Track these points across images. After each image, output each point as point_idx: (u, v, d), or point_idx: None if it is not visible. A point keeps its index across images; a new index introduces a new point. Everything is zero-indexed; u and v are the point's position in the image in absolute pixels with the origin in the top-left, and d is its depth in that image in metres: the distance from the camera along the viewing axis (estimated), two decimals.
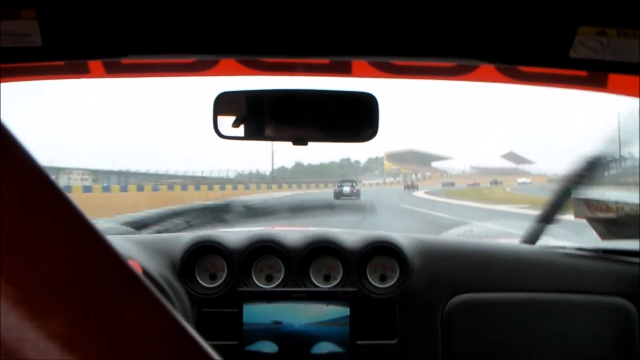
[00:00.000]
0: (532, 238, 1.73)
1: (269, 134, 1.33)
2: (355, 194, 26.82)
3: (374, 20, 1.05)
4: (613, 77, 1.28)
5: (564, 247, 1.67)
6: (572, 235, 1.90)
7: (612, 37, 1.03)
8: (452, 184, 53.58)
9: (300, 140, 1.28)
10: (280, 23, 1.06)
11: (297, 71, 1.34)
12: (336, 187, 28.61)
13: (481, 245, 1.68)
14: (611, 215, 1.50)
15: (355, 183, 30.10)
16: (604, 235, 1.55)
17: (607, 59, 1.05)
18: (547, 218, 1.74)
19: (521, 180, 57.75)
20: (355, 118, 1.30)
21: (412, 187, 44.22)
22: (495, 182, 55.31)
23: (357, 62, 1.32)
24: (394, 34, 1.07)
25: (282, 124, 1.34)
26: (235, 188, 30.03)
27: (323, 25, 1.06)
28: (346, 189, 27.21)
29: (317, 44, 1.10)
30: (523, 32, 1.06)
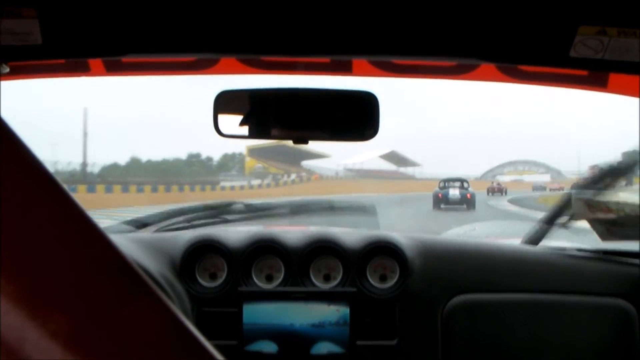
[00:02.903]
0: (534, 239, 1.73)
1: (270, 132, 1.34)
2: (469, 202, 18.09)
3: (374, 19, 1.05)
4: (614, 77, 1.28)
5: (564, 248, 1.67)
6: (573, 237, 1.90)
7: (612, 36, 1.03)
8: (544, 188, 42.56)
9: (300, 139, 1.28)
10: (281, 22, 1.06)
11: (298, 70, 1.34)
12: (437, 188, 19.88)
13: (481, 245, 1.67)
14: (611, 216, 1.50)
15: (467, 183, 20.27)
16: (604, 236, 1.54)
17: (608, 58, 1.05)
18: (551, 220, 1.73)
19: None
20: (355, 117, 1.30)
21: (498, 191, 32.00)
22: None
23: (358, 61, 1.33)
24: (394, 33, 1.07)
25: (282, 122, 1.33)
26: None
27: (323, 24, 1.06)
28: (454, 192, 18.59)
29: (317, 43, 1.10)
30: (523, 31, 1.06)
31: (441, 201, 18.49)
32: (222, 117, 1.28)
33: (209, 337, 0.30)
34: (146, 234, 1.81)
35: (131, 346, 0.28)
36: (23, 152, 0.29)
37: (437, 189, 19.84)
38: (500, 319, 1.50)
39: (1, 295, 0.26)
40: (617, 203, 1.49)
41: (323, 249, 1.54)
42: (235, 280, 1.52)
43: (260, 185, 37.64)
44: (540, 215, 1.77)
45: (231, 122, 1.31)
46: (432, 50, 1.12)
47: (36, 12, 1.00)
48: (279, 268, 1.54)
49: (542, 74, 1.30)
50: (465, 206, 18.08)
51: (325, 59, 1.31)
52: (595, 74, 1.29)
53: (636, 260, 1.57)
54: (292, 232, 1.61)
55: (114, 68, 1.34)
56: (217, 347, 0.30)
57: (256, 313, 1.47)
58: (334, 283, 1.53)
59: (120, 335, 0.28)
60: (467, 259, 1.58)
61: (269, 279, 1.54)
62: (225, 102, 1.29)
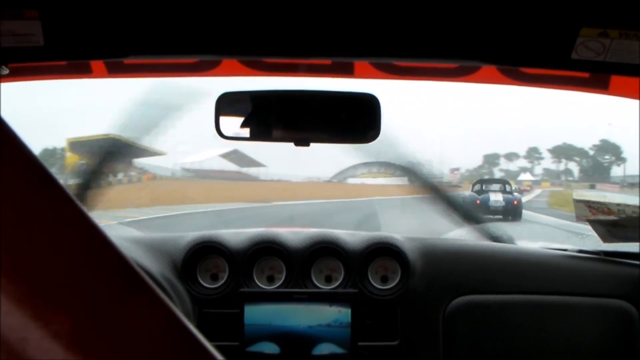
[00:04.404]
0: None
1: (271, 134, 1.34)
2: (515, 210, 13.86)
3: (376, 21, 1.05)
4: (615, 79, 1.28)
5: (565, 249, 1.66)
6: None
7: (614, 38, 1.03)
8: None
9: (301, 141, 1.29)
10: (283, 24, 1.06)
11: (299, 72, 1.34)
12: (473, 190, 15.30)
13: (483, 246, 1.67)
14: (613, 217, 1.49)
15: (511, 186, 15.73)
16: (605, 238, 1.54)
17: (609, 60, 1.05)
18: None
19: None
20: (357, 119, 1.30)
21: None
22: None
23: (359, 63, 1.33)
24: (396, 35, 1.07)
25: (283, 124, 1.34)
26: None
27: (325, 26, 1.06)
28: (496, 198, 14.12)
29: (319, 45, 1.10)
30: (525, 33, 1.06)
31: (478, 209, 13.39)
32: (223, 119, 1.28)
33: (210, 338, 0.30)
34: (148, 235, 1.81)
35: (132, 347, 0.28)
36: (23, 153, 0.30)
37: (471, 193, 15.24)
38: (501, 320, 1.50)
39: (3, 296, 0.26)
40: (618, 205, 1.49)
41: (324, 250, 1.54)
42: (237, 282, 1.52)
43: None
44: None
45: (233, 123, 1.31)
46: (434, 53, 1.12)
47: (38, 14, 1.00)
48: (281, 269, 1.54)
49: (543, 76, 1.31)
50: (511, 218, 13.52)
51: (327, 61, 1.32)
52: (596, 76, 1.29)
53: (637, 262, 1.57)
54: (294, 233, 1.61)
55: (116, 70, 1.35)
56: (218, 348, 0.30)
57: (257, 314, 1.47)
58: (335, 284, 1.53)
59: (121, 336, 0.28)
60: (468, 260, 1.57)
61: (271, 280, 1.55)
62: (226, 104, 1.30)
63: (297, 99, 1.30)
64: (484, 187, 15.50)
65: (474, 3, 1.03)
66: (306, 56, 1.19)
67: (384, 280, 1.55)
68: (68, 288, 0.28)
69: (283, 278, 1.54)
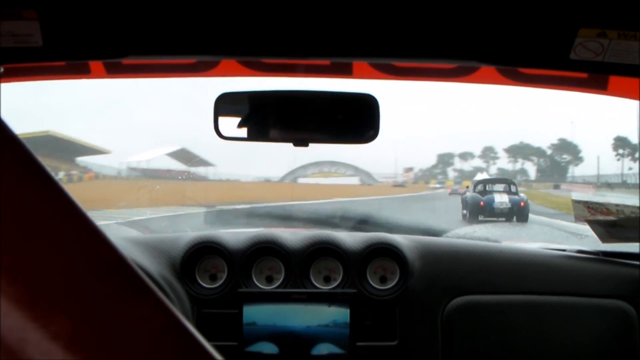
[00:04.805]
0: None
1: (270, 135, 1.34)
2: (521, 212, 12.75)
3: (374, 22, 1.05)
4: (614, 79, 1.28)
5: (564, 250, 1.67)
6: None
7: (612, 38, 1.03)
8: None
9: (301, 142, 1.29)
10: (281, 24, 1.06)
11: (298, 72, 1.34)
12: (472, 193, 14.12)
13: (481, 247, 1.67)
14: (611, 218, 1.50)
15: (515, 186, 14.54)
16: (604, 238, 1.54)
17: (608, 60, 1.05)
18: None
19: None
20: (356, 119, 1.30)
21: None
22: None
23: (358, 64, 1.33)
24: (394, 35, 1.07)
25: (282, 125, 1.34)
26: None
27: (324, 27, 1.06)
28: (501, 199, 13.07)
29: (318, 45, 1.10)
30: (524, 33, 1.06)
31: (482, 211, 12.74)
32: (222, 119, 1.28)
33: (209, 339, 0.30)
34: (147, 235, 1.81)
35: (131, 347, 0.28)
36: (23, 154, 0.30)
37: (473, 194, 14.08)
38: (500, 321, 1.51)
39: (2, 297, 0.26)
40: (617, 205, 1.49)
41: (323, 251, 1.55)
42: (236, 282, 1.52)
43: None
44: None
45: (231, 124, 1.31)
46: (432, 53, 1.12)
47: (37, 14, 1.00)
48: (279, 269, 1.54)
49: (542, 76, 1.31)
50: (516, 219, 12.55)
51: (326, 62, 1.32)
52: (595, 77, 1.29)
53: (636, 262, 1.57)
54: (292, 233, 1.62)
55: (114, 70, 1.35)
56: (217, 348, 0.30)
57: (256, 314, 1.47)
58: (334, 284, 1.53)
59: (120, 337, 0.28)
60: (467, 261, 1.58)
61: (269, 280, 1.55)
62: (225, 104, 1.30)
63: (296, 100, 1.30)
64: (486, 188, 14.35)
65: (472, 3, 1.03)
66: (305, 56, 1.19)
67: (383, 280, 1.55)
68: (67, 289, 0.28)
69: (282, 278, 1.54)
